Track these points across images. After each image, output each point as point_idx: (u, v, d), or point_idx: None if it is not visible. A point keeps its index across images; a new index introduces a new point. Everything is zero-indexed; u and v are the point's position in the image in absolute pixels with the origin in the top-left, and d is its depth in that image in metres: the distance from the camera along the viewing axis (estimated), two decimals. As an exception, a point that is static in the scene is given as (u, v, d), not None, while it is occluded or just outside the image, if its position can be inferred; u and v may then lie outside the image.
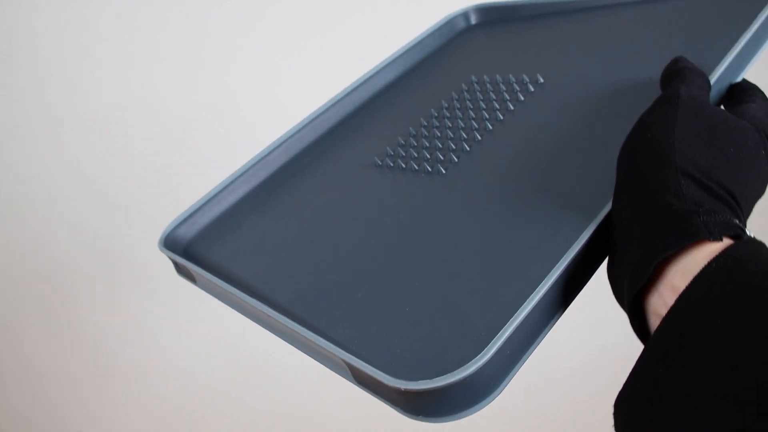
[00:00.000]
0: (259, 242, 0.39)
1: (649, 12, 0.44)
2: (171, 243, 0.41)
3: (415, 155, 0.40)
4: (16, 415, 0.98)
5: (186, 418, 0.93)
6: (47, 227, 0.89)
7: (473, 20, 0.55)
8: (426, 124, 0.42)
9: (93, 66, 0.83)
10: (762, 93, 0.34)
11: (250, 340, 0.81)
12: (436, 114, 0.43)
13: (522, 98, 0.41)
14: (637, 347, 0.24)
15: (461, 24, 0.56)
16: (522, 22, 0.52)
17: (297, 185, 0.43)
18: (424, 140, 0.41)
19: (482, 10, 0.55)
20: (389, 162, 0.40)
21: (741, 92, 0.34)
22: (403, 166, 0.39)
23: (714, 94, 0.34)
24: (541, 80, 0.41)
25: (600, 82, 0.39)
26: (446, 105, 0.43)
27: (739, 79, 0.36)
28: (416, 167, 0.39)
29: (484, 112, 0.41)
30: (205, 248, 0.41)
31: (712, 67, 0.34)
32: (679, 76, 0.31)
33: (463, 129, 0.40)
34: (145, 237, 0.86)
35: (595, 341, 0.83)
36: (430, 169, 0.38)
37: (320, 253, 0.36)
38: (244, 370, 0.91)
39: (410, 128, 0.43)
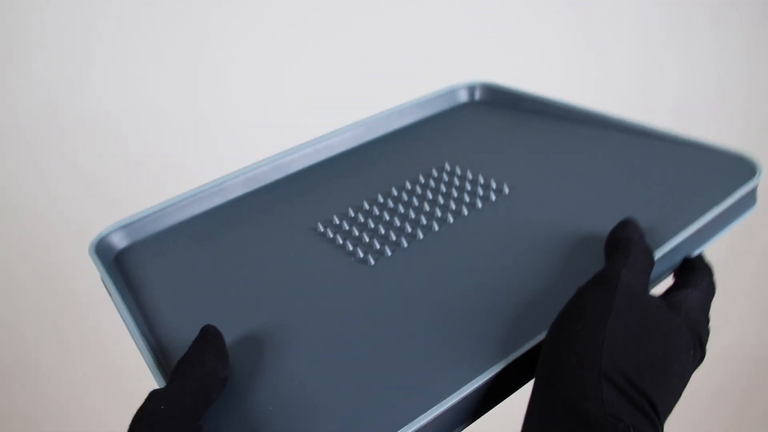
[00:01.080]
0: (186, 274, 0.38)
1: (642, 143, 0.43)
2: (103, 248, 0.41)
3: (355, 234, 0.39)
4: (16, 416, 0.98)
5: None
6: (47, 227, 0.89)
7: (477, 96, 0.54)
8: (381, 202, 0.41)
9: (93, 66, 0.83)
10: (710, 276, 0.33)
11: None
12: (395, 194, 0.42)
13: (480, 206, 0.39)
14: None
15: (464, 97, 0.54)
16: (523, 114, 0.51)
17: (242, 225, 0.42)
18: (370, 221, 0.39)
19: (489, 90, 0.54)
20: (329, 232, 0.39)
21: (689, 272, 0.33)
22: (340, 242, 0.38)
23: (665, 264, 0.33)
24: (507, 191, 0.40)
25: (560, 214, 0.38)
26: (408, 187, 0.42)
27: (696, 253, 0.35)
28: (350, 247, 0.37)
29: (437, 209, 0.39)
30: (132, 263, 0.40)
31: (669, 236, 0.33)
32: (623, 252, 0.29)
33: (410, 221, 0.39)
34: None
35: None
36: (361, 255, 0.37)
37: (234, 305, 0.35)
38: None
39: (364, 201, 0.41)
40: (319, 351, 0.31)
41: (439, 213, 0.39)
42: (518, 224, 0.38)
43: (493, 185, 0.41)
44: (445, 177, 0.43)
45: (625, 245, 0.30)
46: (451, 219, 0.39)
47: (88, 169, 0.86)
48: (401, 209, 0.40)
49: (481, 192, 0.41)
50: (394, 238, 0.38)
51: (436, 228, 0.38)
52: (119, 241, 0.42)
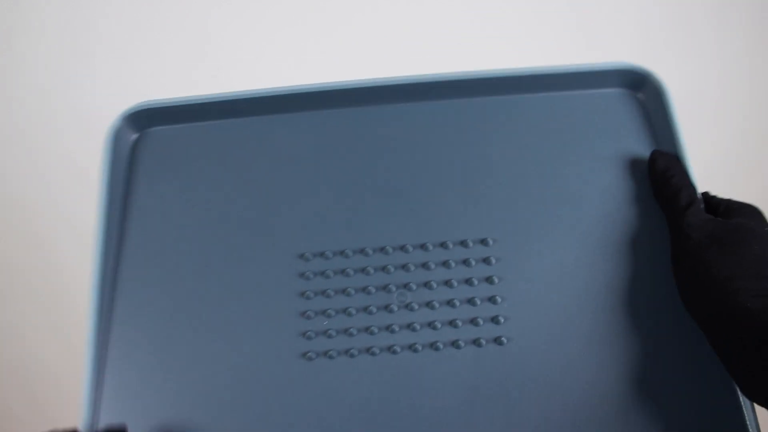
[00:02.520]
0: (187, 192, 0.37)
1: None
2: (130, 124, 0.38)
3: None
4: (14, 416, 0.98)
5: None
6: (47, 227, 0.89)
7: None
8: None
9: (93, 66, 0.82)
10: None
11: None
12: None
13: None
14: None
15: None
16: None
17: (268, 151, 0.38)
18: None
19: None
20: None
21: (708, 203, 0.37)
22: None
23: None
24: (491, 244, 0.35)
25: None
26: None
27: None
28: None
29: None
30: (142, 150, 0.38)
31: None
32: (674, 197, 0.34)
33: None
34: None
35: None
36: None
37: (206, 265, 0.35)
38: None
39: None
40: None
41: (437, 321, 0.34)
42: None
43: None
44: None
45: (670, 194, 0.34)
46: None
47: (87, 168, 0.86)
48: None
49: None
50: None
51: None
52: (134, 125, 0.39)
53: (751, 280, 0.28)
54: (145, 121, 0.39)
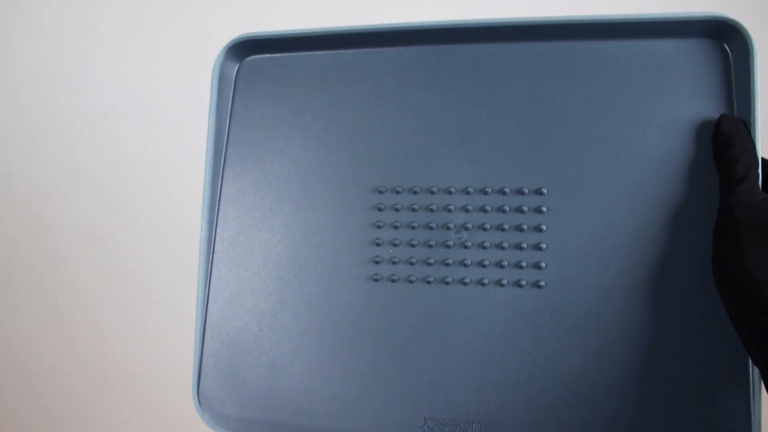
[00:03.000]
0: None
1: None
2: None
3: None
4: (14, 416, 0.98)
5: (186, 419, 0.93)
6: (47, 226, 0.89)
7: None
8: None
9: (93, 66, 0.82)
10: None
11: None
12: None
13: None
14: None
15: None
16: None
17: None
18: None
19: None
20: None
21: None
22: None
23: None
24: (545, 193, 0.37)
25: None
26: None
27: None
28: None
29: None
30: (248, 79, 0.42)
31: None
32: (726, 173, 0.32)
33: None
34: (146, 237, 0.86)
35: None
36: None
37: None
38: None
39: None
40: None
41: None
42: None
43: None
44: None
45: (726, 164, 0.33)
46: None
47: (87, 168, 0.86)
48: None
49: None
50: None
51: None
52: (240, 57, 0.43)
53: None
54: (246, 51, 0.43)
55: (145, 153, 0.86)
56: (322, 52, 0.40)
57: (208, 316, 0.39)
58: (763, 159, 0.33)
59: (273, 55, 0.41)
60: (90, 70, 0.83)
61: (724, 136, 0.33)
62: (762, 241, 0.29)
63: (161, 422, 0.94)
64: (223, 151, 0.41)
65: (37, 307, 0.93)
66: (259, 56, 0.42)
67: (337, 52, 0.40)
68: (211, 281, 0.40)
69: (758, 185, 0.32)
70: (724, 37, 0.35)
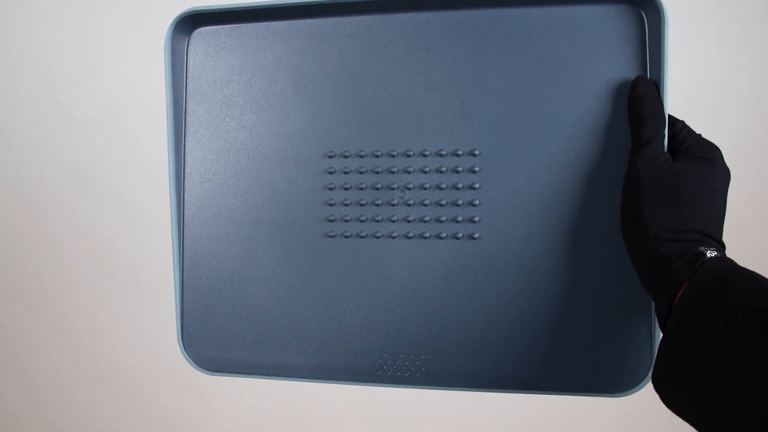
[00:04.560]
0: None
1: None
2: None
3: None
4: (13, 417, 0.98)
5: (186, 419, 0.93)
6: (46, 226, 0.89)
7: None
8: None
9: (94, 65, 0.82)
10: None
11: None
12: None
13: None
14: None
15: None
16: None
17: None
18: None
19: None
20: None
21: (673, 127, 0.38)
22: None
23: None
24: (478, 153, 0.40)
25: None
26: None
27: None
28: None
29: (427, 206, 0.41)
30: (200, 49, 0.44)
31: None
32: (635, 133, 0.35)
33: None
34: (146, 237, 0.86)
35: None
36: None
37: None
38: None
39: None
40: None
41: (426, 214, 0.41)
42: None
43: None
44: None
45: (636, 125, 0.35)
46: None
47: (88, 168, 0.86)
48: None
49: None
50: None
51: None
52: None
53: (666, 230, 0.32)
54: (195, 23, 0.44)
55: (147, 153, 0.86)
56: (266, 23, 0.42)
57: (184, 277, 0.44)
58: (670, 117, 0.36)
59: (220, 26, 0.43)
60: (91, 69, 0.83)
61: (638, 96, 0.35)
62: (659, 201, 0.32)
63: (161, 422, 0.94)
64: (183, 121, 0.43)
65: (37, 306, 0.93)
66: (208, 28, 0.43)
67: (281, 22, 0.42)
68: (184, 243, 0.43)
69: (663, 147, 0.34)
70: (641, 4, 0.37)
